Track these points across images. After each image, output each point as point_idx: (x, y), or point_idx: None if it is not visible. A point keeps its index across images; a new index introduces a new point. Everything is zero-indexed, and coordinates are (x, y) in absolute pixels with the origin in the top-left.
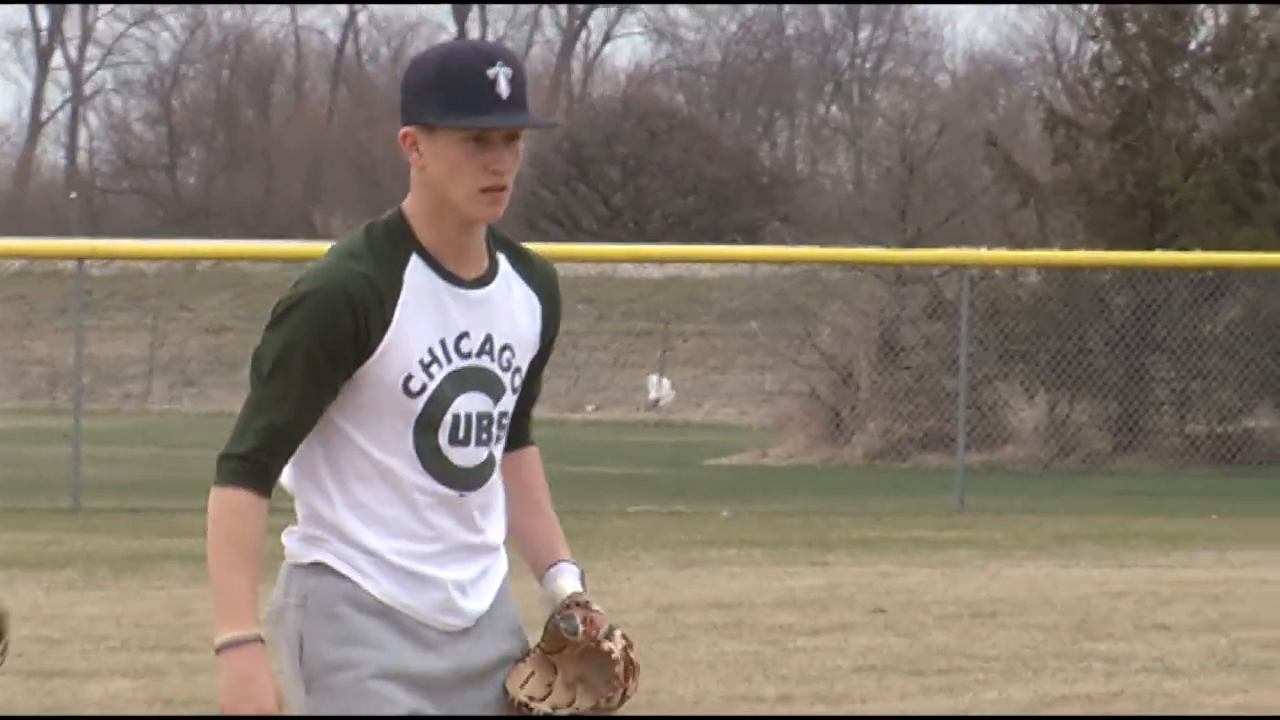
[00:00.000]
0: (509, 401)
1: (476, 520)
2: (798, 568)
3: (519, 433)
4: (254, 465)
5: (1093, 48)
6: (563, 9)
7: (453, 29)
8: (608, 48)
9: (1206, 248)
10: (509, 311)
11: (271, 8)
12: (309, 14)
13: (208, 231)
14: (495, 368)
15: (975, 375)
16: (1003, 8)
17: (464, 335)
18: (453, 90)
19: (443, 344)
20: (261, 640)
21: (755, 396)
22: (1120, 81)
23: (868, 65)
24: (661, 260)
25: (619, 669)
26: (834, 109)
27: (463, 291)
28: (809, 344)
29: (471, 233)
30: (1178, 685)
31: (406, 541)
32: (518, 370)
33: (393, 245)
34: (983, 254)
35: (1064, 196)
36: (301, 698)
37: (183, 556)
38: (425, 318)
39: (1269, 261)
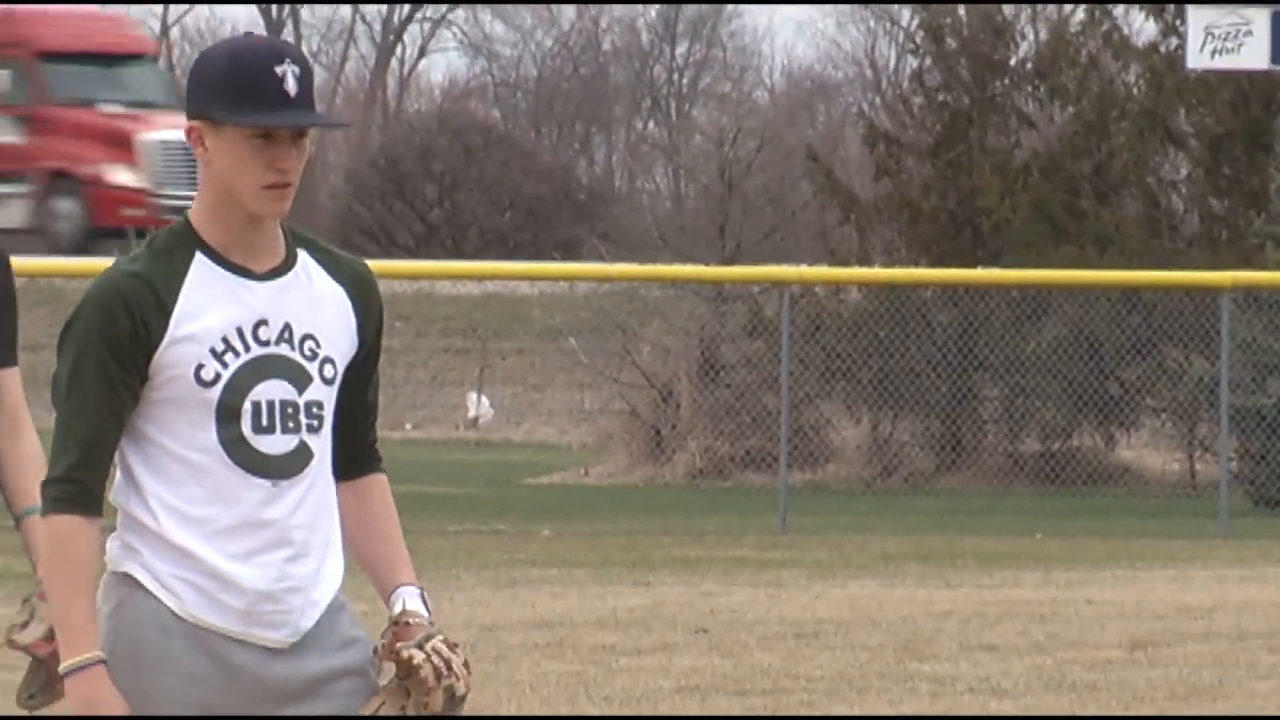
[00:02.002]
0: (320, 391)
1: (295, 514)
2: (620, 587)
3: (363, 457)
4: (73, 486)
5: (912, 63)
6: (377, 24)
7: None
8: (423, 63)
9: (1028, 266)
10: (309, 300)
11: None
12: None
13: (21, 248)
14: (297, 356)
15: (797, 394)
16: (821, 23)
17: (262, 323)
18: (240, 86)
19: (239, 332)
20: (104, 661)
21: (575, 415)
22: (941, 97)
23: (685, 81)
24: (479, 277)
25: (424, 672)
26: (651, 125)
27: (254, 283)
28: (629, 362)
29: (259, 229)
30: (1004, 706)
31: (220, 541)
32: (327, 360)
33: (174, 246)
34: (803, 271)
35: (885, 213)
36: None
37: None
38: (215, 309)
39: (1090, 279)
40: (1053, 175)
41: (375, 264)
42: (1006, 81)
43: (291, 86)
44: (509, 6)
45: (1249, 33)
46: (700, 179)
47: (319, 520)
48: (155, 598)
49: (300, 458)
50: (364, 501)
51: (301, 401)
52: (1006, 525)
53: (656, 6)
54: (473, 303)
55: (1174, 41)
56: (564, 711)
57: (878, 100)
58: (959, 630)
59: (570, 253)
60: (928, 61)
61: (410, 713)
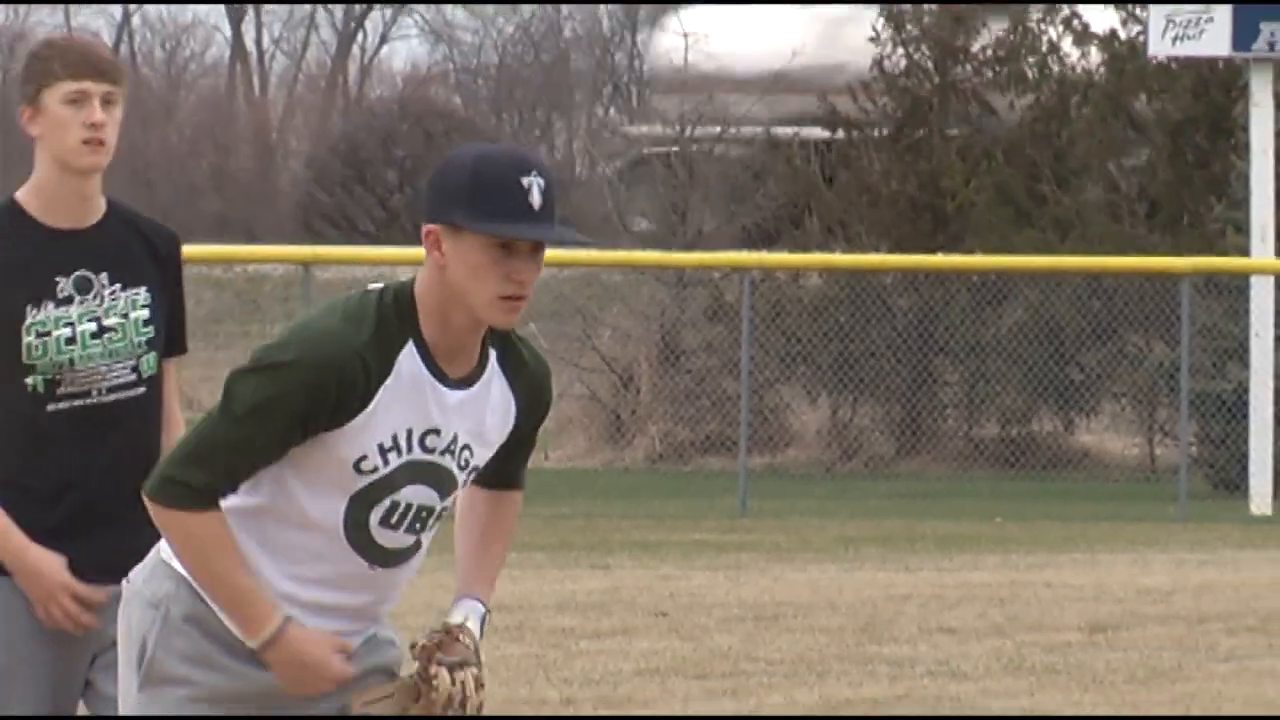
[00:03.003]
0: (456, 497)
1: (378, 593)
2: (579, 571)
3: (508, 476)
4: (211, 494)
5: (874, 50)
6: (338, 11)
7: (228, 31)
8: (384, 49)
9: (989, 250)
10: (480, 413)
11: (45, 9)
12: (83, 15)
13: None
14: (453, 465)
15: (757, 378)
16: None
17: (432, 431)
18: (485, 195)
19: (409, 434)
20: (289, 618)
21: None
22: (902, 84)
23: (647, 67)
24: None
25: (438, 696)
26: (613, 111)
27: (444, 390)
28: (589, 346)
29: (474, 333)
30: (963, 688)
31: (298, 584)
32: (474, 469)
33: (396, 326)
34: (764, 256)
35: (846, 199)
36: (132, 686)
37: None
38: (401, 406)
39: (1051, 264)
40: (1014, 160)
41: (337, 250)
42: (968, 68)
43: (536, 199)
44: None
45: (1210, 19)
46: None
47: (397, 591)
48: (204, 601)
49: (407, 554)
50: (491, 509)
51: (438, 507)
52: (966, 509)
53: None
54: None
55: (1135, 29)
56: (523, 694)
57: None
58: (918, 613)
59: None
60: (889, 48)
61: (412, 713)
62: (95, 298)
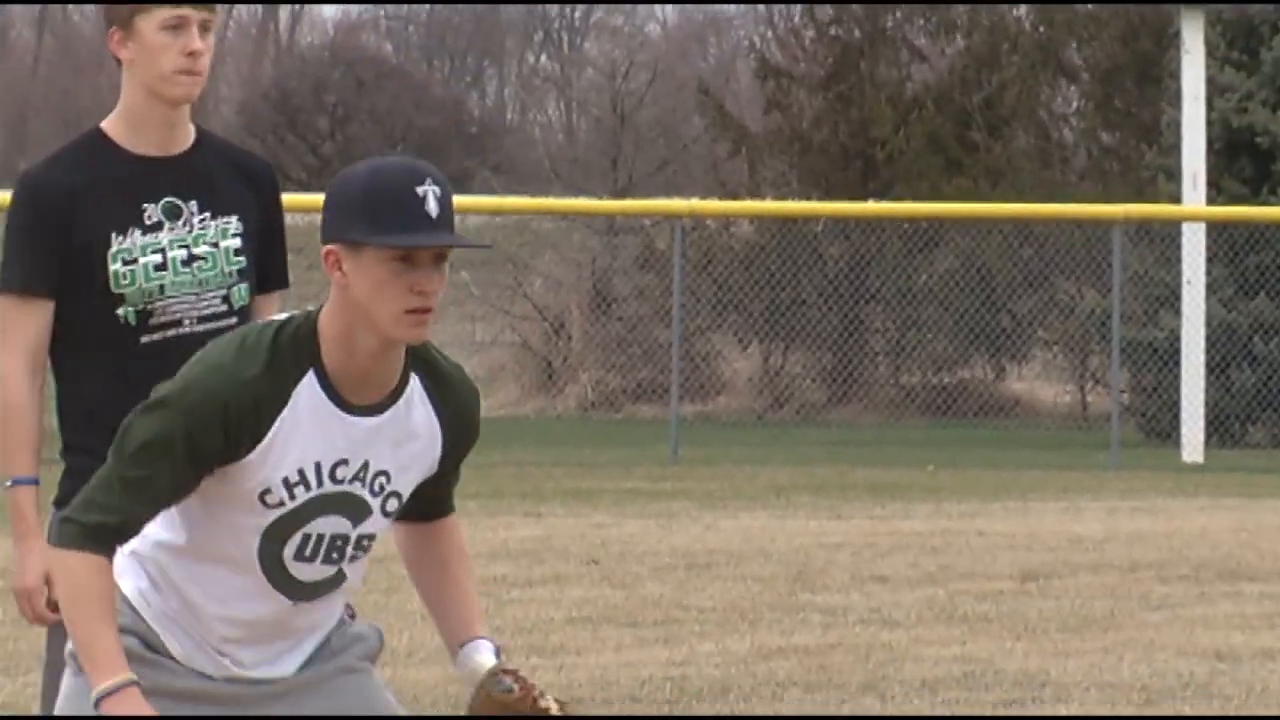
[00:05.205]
0: (377, 524)
1: (298, 624)
2: (512, 519)
3: (437, 505)
4: (103, 534)
5: None
6: None
7: None
8: None
9: (919, 198)
10: (396, 439)
11: None
12: None
13: None
14: (365, 493)
15: (688, 326)
16: None
17: (341, 462)
18: (381, 207)
19: (316, 467)
20: (136, 683)
21: (467, 347)
22: (832, 31)
23: (577, 14)
24: None
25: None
26: (544, 58)
27: (350, 418)
28: (520, 294)
29: (386, 357)
30: (895, 636)
31: (220, 614)
32: (393, 495)
33: (293, 358)
34: (695, 204)
35: (776, 146)
36: (69, 676)
37: None
38: (302, 437)
39: (981, 212)
40: (944, 108)
41: None
42: (898, 15)
43: (433, 207)
44: None
45: None
46: (592, 112)
47: (328, 617)
48: (144, 621)
49: (331, 583)
50: (434, 546)
51: (354, 534)
52: (898, 457)
53: None
54: None
55: None
56: None
57: (769, 34)
58: (850, 561)
59: (462, 185)
60: None
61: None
62: (184, 225)
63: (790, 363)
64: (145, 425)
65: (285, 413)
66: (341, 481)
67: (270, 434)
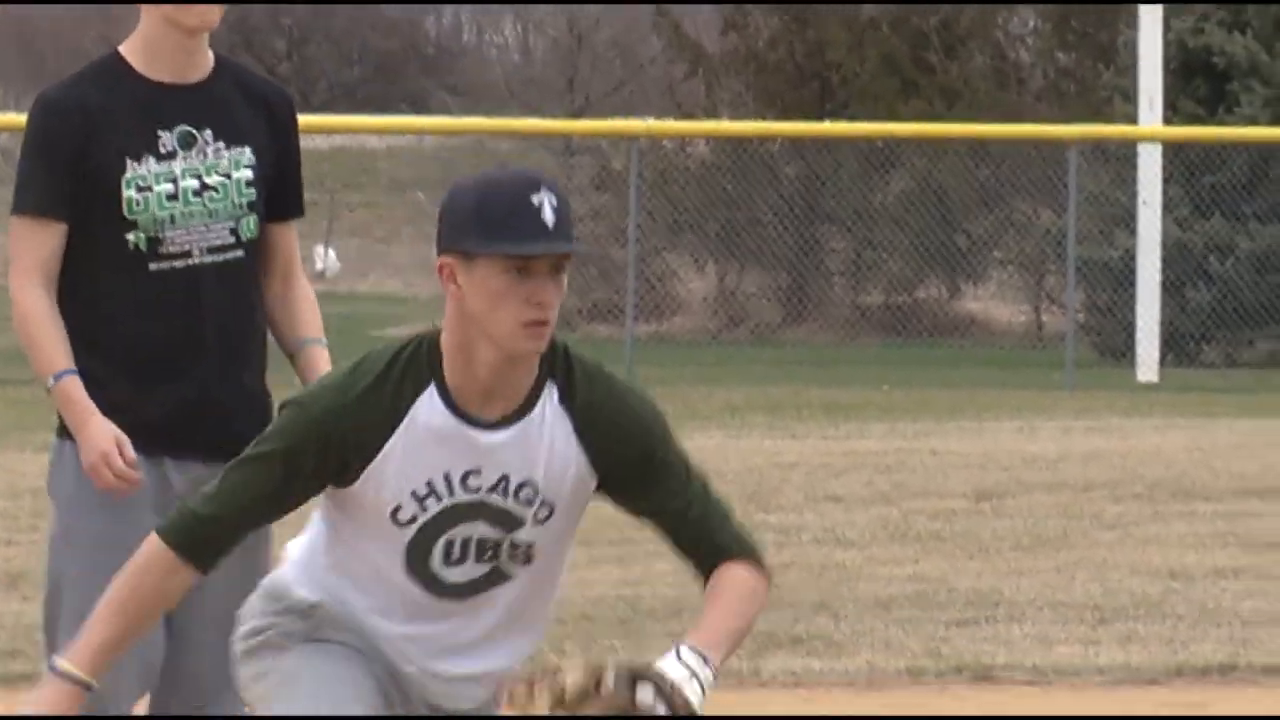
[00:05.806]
0: (534, 533)
1: (472, 626)
2: None
3: (715, 553)
4: (200, 536)
5: None
6: None
7: None
8: None
9: (876, 119)
10: (533, 451)
11: None
12: None
13: None
14: (508, 503)
15: (644, 246)
16: None
17: (473, 472)
18: (494, 217)
19: (446, 478)
20: (89, 688)
21: (423, 267)
22: None
23: None
24: (328, 131)
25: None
26: None
27: (475, 432)
28: None
29: (508, 367)
30: (849, 556)
31: (382, 619)
32: (545, 504)
33: (412, 377)
34: (651, 124)
35: (733, 67)
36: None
37: None
38: (426, 452)
39: (937, 132)
40: (900, 28)
41: None
42: None
43: (549, 216)
44: None
45: None
46: (549, 32)
47: (506, 631)
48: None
49: (490, 579)
50: (715, 582)
51: (506, 540)
52: (853, 376)
53: None
54: (320, 156)
55: None
56: None
57: None
58: (805, 481)
59: (418, 106)
60: None
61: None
62: (199, 154)
63: (745, 283)
64: (265, 434)
65: (400, 429)
66: (477, 491)
67: (383, 452)
